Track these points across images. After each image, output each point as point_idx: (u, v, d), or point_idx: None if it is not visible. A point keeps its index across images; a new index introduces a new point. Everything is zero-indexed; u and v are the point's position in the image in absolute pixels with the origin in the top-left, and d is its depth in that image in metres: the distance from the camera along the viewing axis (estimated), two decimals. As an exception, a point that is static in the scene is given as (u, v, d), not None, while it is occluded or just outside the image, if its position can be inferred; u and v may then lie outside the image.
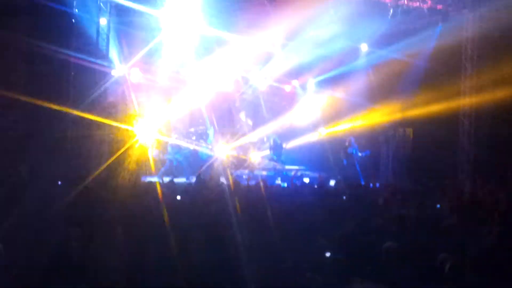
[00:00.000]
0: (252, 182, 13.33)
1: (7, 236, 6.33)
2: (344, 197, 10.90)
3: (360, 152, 17.68)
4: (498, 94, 15.76)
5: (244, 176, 15.67)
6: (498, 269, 6.02)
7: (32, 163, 13.11)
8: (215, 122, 21.17)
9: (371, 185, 14.33)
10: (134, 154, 15.22)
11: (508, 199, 10.47)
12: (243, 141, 20.08)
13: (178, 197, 10.19)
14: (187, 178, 15.66)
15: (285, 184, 15.29)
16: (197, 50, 19.35)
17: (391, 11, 16.37)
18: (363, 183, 14.99)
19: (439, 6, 16.37)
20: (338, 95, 19.84)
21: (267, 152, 18.99)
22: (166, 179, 13.23)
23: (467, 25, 16.72)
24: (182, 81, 20.11)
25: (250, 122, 22.03)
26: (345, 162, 17.64)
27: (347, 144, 17.82)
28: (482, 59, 16.58)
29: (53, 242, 6.31)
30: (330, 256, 6.25)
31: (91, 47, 15.58)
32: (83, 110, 14.93)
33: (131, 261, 6.12)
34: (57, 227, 6.97)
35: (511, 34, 15.18)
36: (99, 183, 12.03)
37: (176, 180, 13.36)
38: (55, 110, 14.49)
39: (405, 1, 16.11)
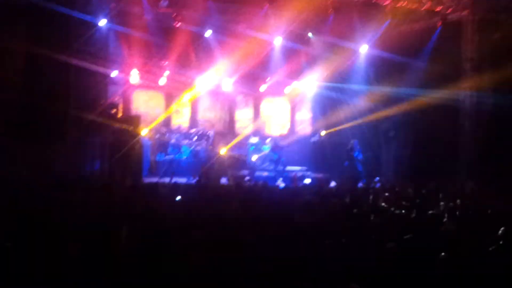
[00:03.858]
0: (253, 183, 13.33)
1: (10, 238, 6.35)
2: (347, 199, 10.89)
3: (362, 155, 17.59)
4: (498, 95, 15.78)
5: (245, 177, 15.66)
6: (498, 274, 6.01)
7: (32, 165, 13.11)
8: (216, 123, 21.27)
9: (371, 185, 14.31)
10: (135, 155, 15.23)
11: (509, 201, 10.47)
12: (244, 142, 20.12)
13: (178, 198, 10.18)
14: (188, 179, 15.66)
15: (286, 185, 15.28)
16: (198, 51, 19.45)
17: (390, 13, 16.36)
18: (365, 182, 15.04)
19: (438, 8, 16.36)
20: (338, 95, 19.84)
21: (268, 152, 18.98)
22: (167, 180, 13.22)
23: (466, 27, 16.73)
24: (182, 82, 20.19)
25: (251, 123, 22.08)
26: (346, 163, 17.57)
27: (349, 147, 17.73)
28: (481, 60, 16.58)
29: (57, 244, 6.31)
30: (328, 258, 6.26)
31: (91, 48, 15.59)
32: (83, 112, 14.95)
33: (134, 261, 6.13)
34: (59, 230, 6.99)
35: (511, 35, 15.18)
36: (100, 184, 12.05)
37: (176, 180, 13.37)
38: (56, 112, 14.51)
39: (404, 3, 16.11)
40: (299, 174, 17.33)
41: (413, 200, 10.54)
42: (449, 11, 16.51)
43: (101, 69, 16.05)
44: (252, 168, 18.45)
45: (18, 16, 14.39)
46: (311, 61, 20.08)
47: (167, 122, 20.68)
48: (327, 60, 19.34)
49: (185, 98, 20.84)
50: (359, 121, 18.80)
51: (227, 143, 19.14)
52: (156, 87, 20.30)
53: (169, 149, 18.21)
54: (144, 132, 17.81)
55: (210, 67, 19.76)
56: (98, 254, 6.16)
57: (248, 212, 8.53)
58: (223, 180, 14.39)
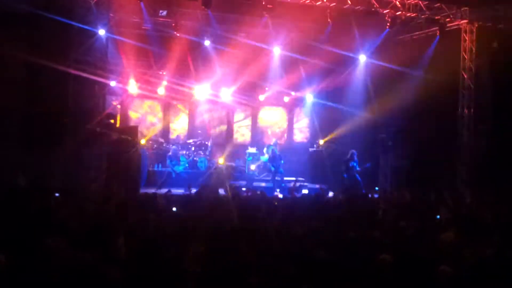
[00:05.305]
0: (251, 194, 13.26)
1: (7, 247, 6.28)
2: (345, 207, 10.86)
3: (360, 166, 17.43)
4: (497, 105, 15.77)
5: (243, 188, 15.59)
6: (497, 282, 5.97)
7: (30, 174, 13.08)
8: (214, 133, 21.25)
9: (369, 195, 14.24)
10: (133, 166, 15.17)
11: (509, 211, 10.44)
12: (241, 152, 20.08)
13: (174, 209, 10.14)
14: (185, 190, 15.59)
15: (284, 196, 15.22)
16: (197, 60, 19.47)
17: (389, 21, 16.34)
18: (363, 192, 14.98)
19: (437, 17, 16.39)
20: (337, 105, 19.83)
21: (266, 163, 18.93)
22: (164, 190, 13.16)
23: (465, 36, 16.74)
24: (181, 92, 20.19)
25: (249, 133, 22.05)
26: (345, 176, 17.39)
27: (348, 157, 17.56)
28: (480, 70, 16.58)
29: (56, 251, 6.24)
30: (325, 268, 6.21)
31: (90, 58, 15.58)
32: (81, 121, 14.91)
33: (129, 273, 6.06)
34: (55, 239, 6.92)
35: (509, 44, 15.19)
36: (97, 194, 11.99)
37: (174, 191, 13.31)
38: (54, 121, 14.49)
39: (403, 12, 16.12)
40: (297, 184, 17.24)
41: (411, 210, 10.48)
42: (447, 20, 16.53)
43: (99, 79, 16.03)
44: (250, 178, 18.38)
45: (18, 25, 14.42)
46: (310, 71, 20.06)
47: (165, 133, 20.65)
48: (326, 70, 19.41)
49: (184, 108, 20.88)
50: (357, 130, 18.75)
51: (225, 153, 19.10)
52: (155, 97, 20.28)
53: (167, 160, 18.16)
54: (142, 142, 17.79)
55: (208, 76, 19.78)
56: (91, 265, 6.10)
57: (246, 223, 8.48)
58: (221, 191, 14.32)
